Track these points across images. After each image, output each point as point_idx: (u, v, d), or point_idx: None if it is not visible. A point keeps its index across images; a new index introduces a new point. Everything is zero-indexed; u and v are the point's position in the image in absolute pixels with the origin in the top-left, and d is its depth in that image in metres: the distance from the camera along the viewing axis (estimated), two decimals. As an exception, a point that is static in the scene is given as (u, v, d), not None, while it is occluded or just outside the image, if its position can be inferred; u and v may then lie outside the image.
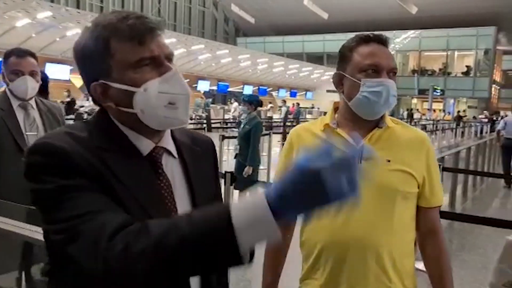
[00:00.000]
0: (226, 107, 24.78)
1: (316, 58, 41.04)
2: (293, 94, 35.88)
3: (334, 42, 45.51)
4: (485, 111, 32.74)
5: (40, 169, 0.84)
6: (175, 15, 41.48)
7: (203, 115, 20.28)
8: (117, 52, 0.90)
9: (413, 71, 43.89)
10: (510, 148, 8.78)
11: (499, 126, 9.51)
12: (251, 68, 31.28)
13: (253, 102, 5.57)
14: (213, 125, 16.84)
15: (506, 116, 11.53)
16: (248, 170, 5.24)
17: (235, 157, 5.59)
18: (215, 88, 29.77)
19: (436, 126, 22.06)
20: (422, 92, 40.91)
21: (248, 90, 30.30)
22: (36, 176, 0.84)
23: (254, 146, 5.34)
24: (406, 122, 18.66)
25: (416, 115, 31.66)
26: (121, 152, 0.91)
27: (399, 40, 43.02)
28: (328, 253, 1.29)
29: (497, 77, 43.12)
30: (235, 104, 21.93)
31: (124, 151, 0.92)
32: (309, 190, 0.67)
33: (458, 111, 32.11)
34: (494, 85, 41.39)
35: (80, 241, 0.77)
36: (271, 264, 1.47)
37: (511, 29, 39.16)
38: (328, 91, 37.35)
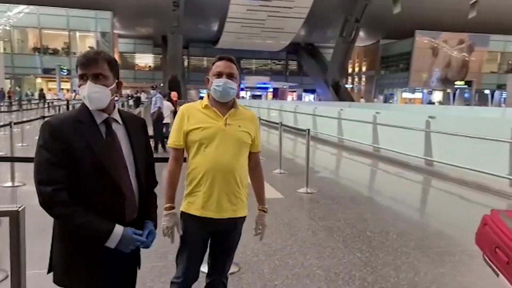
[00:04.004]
0: None
1: None
2: None
3: None
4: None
5: None
6: None
7: None
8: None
9: (35, 49, 42.10)
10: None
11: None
12: None
13: None
14: None
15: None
16: None
17: None
18: None
19: (69, 107, 22.50)
20: (46, 72, 40.06)
21: None
22: None
23: None
24: (38, 103, 18.66)
25: (49, 96, 30.99)
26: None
27: (12, 14, 39.95)
28: (208, 175, 2.18)
29: (115, 58, 47.41)
30: None
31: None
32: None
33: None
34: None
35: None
36: (171, 182, 2.29)
37: (123, 15, 43.85)
38: None
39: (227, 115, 2.26)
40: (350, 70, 58.51)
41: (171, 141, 2.30)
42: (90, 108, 1.76)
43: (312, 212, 5.69)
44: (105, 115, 1.79)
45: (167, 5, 38.67)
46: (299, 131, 11.47)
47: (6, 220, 1.74)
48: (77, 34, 43.12)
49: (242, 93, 51.21)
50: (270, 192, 6.28)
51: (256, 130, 2.37)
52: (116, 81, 1.83)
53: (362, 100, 45.60)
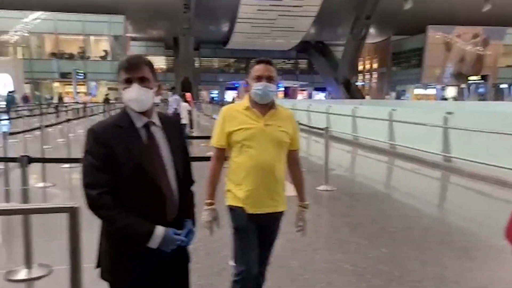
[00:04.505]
0: None
1: None
2: None
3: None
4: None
5: None
6: None
7: None
8: None
9: (52, 54, 42.82)
10: None
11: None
12: None
13: None
14: None
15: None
16: None
17: None
18: None
19: (84, 110, 22.68)
20: (63, 76, 40.72)
21: None
22: None
23: None
24: (57, 106, 18.94)
25: (66, 99, 31.53)
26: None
27: (29, 20, 40.69)
28: (250, 173, 2.32)
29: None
30: None
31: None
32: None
33: (107, 94, 33.83)
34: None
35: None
36: (213, 180, 2.44)
37: (136, 18, 44.33)
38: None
39: (267, 116, 2.37)
40: (361, 68, 58.23)
41: (214, 141, 2.44)
42: (137, 110, 1.83)
43: (334, 209, 5.77)
44: (146, 119, 1.84)
45: (178, 8, 39.00)
46: (313, 129, 11.54)
47: (36, 217, 1.85)
48: (92, 38, 43.74)
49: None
50: (290, 189, 6.37)
51: (294, 128, 2.46)
52: (157, 84, 1.90)
53: (368, 97, 45.21)
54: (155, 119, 1.89)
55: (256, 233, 2.41)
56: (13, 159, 3.96)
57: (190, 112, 13.22)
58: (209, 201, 2.43)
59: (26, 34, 41.71)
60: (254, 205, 2.34)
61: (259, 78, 2.35)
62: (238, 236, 2.39)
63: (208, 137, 10.02)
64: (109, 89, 42.82)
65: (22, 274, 3.49)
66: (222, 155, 2.45)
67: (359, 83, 55.14)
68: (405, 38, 50.18)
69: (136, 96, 1.80)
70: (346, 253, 4.06)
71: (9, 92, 25.83)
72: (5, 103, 22.46)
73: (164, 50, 54.66)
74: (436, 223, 5.19)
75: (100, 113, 20.77)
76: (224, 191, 2.48)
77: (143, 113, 1.84)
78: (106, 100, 28.87)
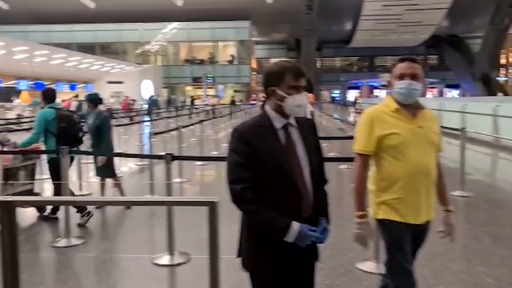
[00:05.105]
0: (6, 105, 21.46)
1: (87, 48, 39.19)
2: (72, 87, 33.58)
3: (105, 32, 44.40)
4: (253, 94, 37.74)
5: None
6: None
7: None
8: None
9: (186, 60, 46.83)
10: None
11: None
12: (26, 61, 27.70)
13: (94, 100, 6.01)
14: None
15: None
16: (102, 159, 5.69)
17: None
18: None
19: (213, 112, 24.26)
20: (195, 80, 44.19)
21: (23, 85, 27.23)
22: None
23: (106, 137, 5.85)
24: (190, 108, 20.45)
25: (197, 102, 34.16)
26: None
27: (167, 30, 45.01)
28: (408, 180, 2.15)
29: (253, 64, 50.09)
30: (17, 100, 19.48)
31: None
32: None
33: (233, 96, 35.77)
34: (252, 72, 48.04)
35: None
36: (362, 189, 2.26)
37: (260, 23, 46.06)
38: (109, 82, 36.40)
39: (418, 117, 2.22)
40: (503, 61, 52.00)
41: (359, 147, 2.27)
42: (300, 115, 1.97)
43: (472, 217, 5.26)
44: (284, 120, 1.93)
45: (301, 10, 39.41)
46: (445, 129, 10.65)
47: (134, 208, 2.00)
48: (220, 44, 46.70)
49: (377, 92, 49.35)
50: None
51: (439, 129, 2.33)
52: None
53: (500, 94, 39.82)
54: (292, 120, 1.97)
55: (410, 244, 2.26)
56: (159, 157, 4.41)
57: (312, 113, 13.25)
58: (361, 213, 2.24)
59: (164, 43, 46.27)
60: (415, 216, 2.19)
61: (402, 76, 2.20)
62: (395, 250, 2.23)
63: (330, 138, 10.00)
64: (235, 91, 45.18)
65: (166, 259, 3.87)
66: (368, 161, 2.28)
67: (501, 78, 49.40)
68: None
69: (304, 103, 1.92)
70: (488, 266, 3.67)
71: (151, 96, 29.09)
72: (147, 106, 25.22)
73: (286, 52, 55.75)
74: None
75: (228, 114, 21.93)
76: (372, 202, 2.31)
77: (282, 115, 1.93)
78: (232, 102, 30.44)
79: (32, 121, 7.18)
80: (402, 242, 2.20)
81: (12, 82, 28.12)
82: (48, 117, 5.15)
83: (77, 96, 23.83)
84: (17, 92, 24.01)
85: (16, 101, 20.03)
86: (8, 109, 20.71)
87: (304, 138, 1.98)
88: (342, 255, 3.98)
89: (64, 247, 4.32)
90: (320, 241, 1.93)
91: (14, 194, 4.96)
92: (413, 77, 2.20)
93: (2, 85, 27.00)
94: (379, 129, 2.20)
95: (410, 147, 2.16)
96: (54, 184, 5.13)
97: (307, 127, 2.04)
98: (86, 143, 6.02)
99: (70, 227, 4.50)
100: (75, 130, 5.28)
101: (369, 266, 3.70)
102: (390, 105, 2.24)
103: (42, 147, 5.37)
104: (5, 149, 5.04)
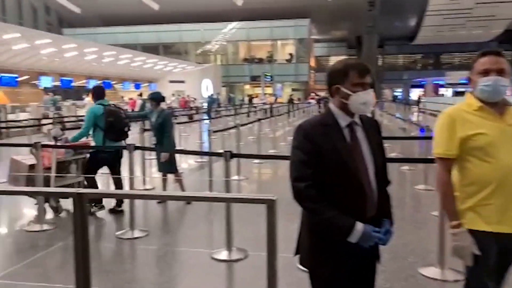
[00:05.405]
0: (78, 103, 22.84)
1: (151, 49, 40.83)
2: (137, 86, 35.24)
3: (168, 33, 46.08)
4: (312, 93, 37.43)
5: None
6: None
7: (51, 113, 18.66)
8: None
9: (245, 60, 47.42)
10: None
11: None
12: (96, 61, 29.52)
13: (156, 99, 6.23)
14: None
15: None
16: (165, 156, 5.89)
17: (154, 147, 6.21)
18: (58, 83, 27.33)
19: (271, 110, 24.31)
20: (253, 79, 44.58)
21: (93, 84, 28.81)
22: None
23: (169, 134, 6.07)
24: (248, 107, 20.33)
25: (255, 100, 34.45)
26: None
27: (226, 30, 45.79)
28: (501, 184, 1.94)
29: (312, 62, 49.65)
30: (87, 98, 20.72)
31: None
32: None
33: (291, 95, 35.65)
34: (310, 70, 47.64)
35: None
36: (451, 197, 2.07)
37: (320, 21, 45.56)
38: (170, 81, 37.73)
39: (506, 115, 2.02)
40: None
41: (441, 151, 2.08)
42: (362, 113, 1.93)
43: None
44: (349, 119, 1.91)
45: (363, 6, 38.51)
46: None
47: (195, 204, 2.01)
48: (279, 43, 46.78)
49: (442, 90, 47.04)
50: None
51: None
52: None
53: None
54: (357, 118, 1.94)
55: (499, 259, 2.05)
56: (218, 154, 4.50)
57: (372, 112, 12.93)
58: (457, 222, 2.03)
59: (224, 43, 47.14)
60: (508, 223, 1.99)
61: (486, 72, 2.00)
62: (478, 263, 2.02)
63: (392, 138, 9.55)
64: (293, 90, 45.02)
65: (224, 255, 3.96)
66: (451, 166, 2.08)
67: None
68: None
69: (369, 100, 1.89)
70: None
71: (210, 95, 29.75)
72: (207, 104, 25.81)
73: (346, 49, 54.69)
74: None
75: (285, 113, 21.91)
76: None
77: (347, 113, 1.91)
78: (290, 101, 30.35)
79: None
80: (487, 255, 2.00)
81: (83, 81, 29.93)
82: (97, 112, 5.48)
83: (141, 94, 24.81)
84: (88, 91, 25.60)
85: (86, 99, 21.27)
86: (79, 106, 22.01)
87: (369, 137, 1.94)
88: (403, 259, 3.85)
89: (129, 238, 4.55)
90: (383, 242, 1.89)
91: (63, 186, 5.27)
92: (500, 72, 2.00)
93: (74, 84, 28.82)
94: (462, 130, 2.02)
95: (500, 148, 1.97)
96: (113, 178, 5.62)
97: (371, 126, 2.01)
98: (151, 140, 6.28)
99: (135, 220, 4.72)
100: (122, 125, 5.56)
101: (432, 272, 3.55)
102: (472, 103, 2.06)
103: (92, 142, 5.68)
104: (58, 143, 5.37)
